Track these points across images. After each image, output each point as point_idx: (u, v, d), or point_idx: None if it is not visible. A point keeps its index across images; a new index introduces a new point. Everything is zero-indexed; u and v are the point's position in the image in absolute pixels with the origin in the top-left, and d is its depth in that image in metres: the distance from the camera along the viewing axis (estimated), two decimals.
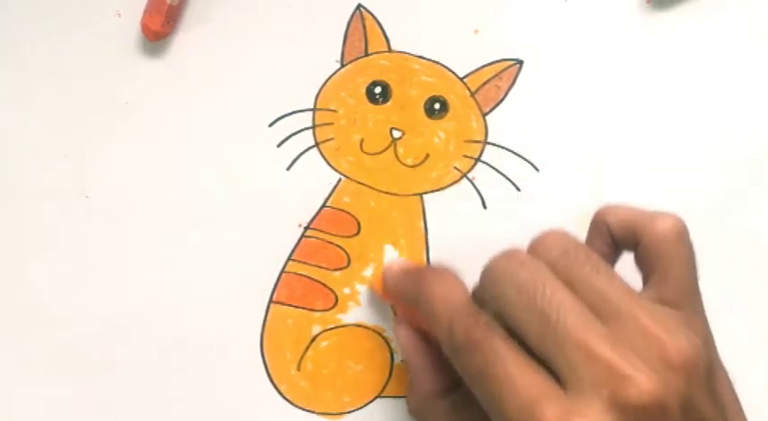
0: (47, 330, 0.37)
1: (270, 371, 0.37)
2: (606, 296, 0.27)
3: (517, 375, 0.26)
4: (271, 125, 0.39)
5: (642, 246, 0.29)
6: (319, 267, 0.37)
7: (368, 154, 0.38)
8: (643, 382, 0.24)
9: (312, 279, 0.37)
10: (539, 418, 0.25)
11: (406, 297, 0.33)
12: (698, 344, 0.26)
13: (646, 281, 0.30)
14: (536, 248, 0.29)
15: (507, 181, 0.38)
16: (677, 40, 0.40)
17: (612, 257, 0.31)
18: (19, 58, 0.40)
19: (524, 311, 0.27)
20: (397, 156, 0.38)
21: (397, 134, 0.38)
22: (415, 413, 0.34)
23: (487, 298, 0.28)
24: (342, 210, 0.38)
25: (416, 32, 0.39)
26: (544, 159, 0.38)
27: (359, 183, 0.38)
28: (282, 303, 0.37)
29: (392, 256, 0.37)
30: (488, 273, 0.29)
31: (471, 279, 0.37)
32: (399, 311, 0.35)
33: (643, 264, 0.30)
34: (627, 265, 0.30)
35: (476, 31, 0.40)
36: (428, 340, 0.33)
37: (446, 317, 0.29)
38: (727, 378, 0.29)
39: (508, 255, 0.29)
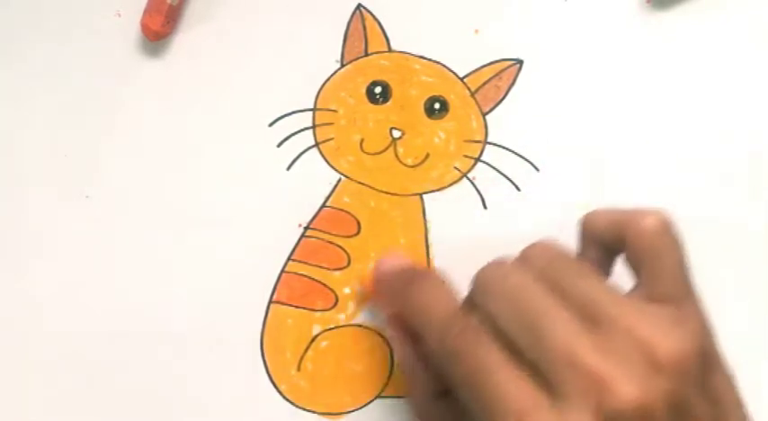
0: (47, 330, 0.37)
1: (270, 371, 0.37)
2: (592, 301, 0.27)
3: (505, 384, 0.26)
4: (271, 125, 0.39)
5: (628, 245, 0.29)
6: (319, 267, 0.37)
7: (368, 154, 0.38)
8: (625, 389, 0.24)
9: (312, 279, 0.37)
10: None
11: (396, 300, 0.33)
12: (688, 341, 0.26)
13: (637, 279, 0.29)
14: (524, 257, 0.29)
15: (507, 181, 0.38)
16: (677, 40, 0.40)
17: (608, 262, 0.31)
18: (19, 57, 0.40)
19: (511, 320, 0.27)
20: (397, 155, 0.38)
21: (397, 134, 0.39)
22: (417, 415, 0.33)
23: (475, 304, 0.29)
24: (342, 209, 0.38)
25: (416, 32, 0.39)
26: (544, 159, 0.38)
27: (359, 183, 0.38)
28: (282, 303, 0.37)
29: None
30: (477, 282, 0.29)
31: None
32: (390, 312, 0.34)
33: (631, 262, 0.29)
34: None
35: (476, 31, 0.40)
36: (421, 341, 0.33)
37: (435, 324, 0.29)
38: (728, 375, 0.28)
39: (497, 264, 0.29)
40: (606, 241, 0.30)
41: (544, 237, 0.30)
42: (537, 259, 0.29)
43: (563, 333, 0.26)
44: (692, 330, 0.27)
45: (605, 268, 0.31)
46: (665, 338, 0.26)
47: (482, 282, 0.29)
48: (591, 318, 0.26)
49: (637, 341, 0.25)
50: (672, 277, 0.28)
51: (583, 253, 0.31)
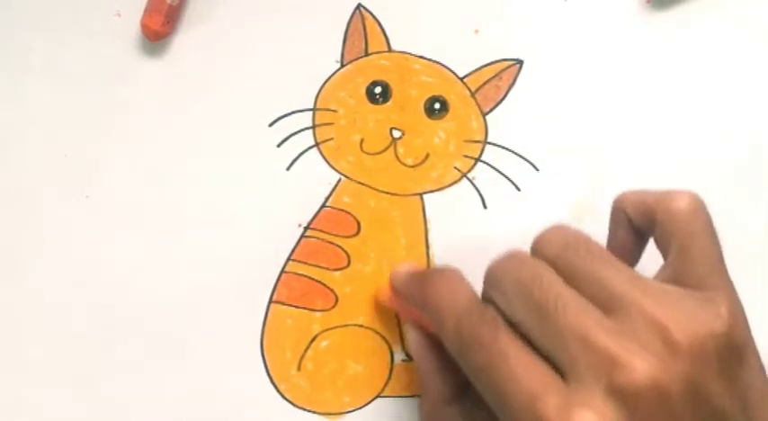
0: (46, 330, 0.37)
1: (270, 371, 0.37)
2: (607, 286, 0.26)
3: (519, 369, 0.26)
4: (271, 125, 0.39)
5: (658, 226, 0.29)
6: (319, 267, 0.37)
7: (368, 154, 0.38)
8: (638, 366, 0.24)
9: (312, 279, 0.37)
10: (540, 412, 0.25)
11: (413, 300, 0.33)
12: (712, 326, 0.25)
13: (665, 261, 0.29)
14: (537, 245, 0.29)
15: (507, 181, 0.38)
16: (677, 40, 0.40)
17: (639, 245, 0.31)
18: (19, 58, 0.40)
19: (524, 307, 0.27)
20: (397, 156, 0.38)
21: (397, 134, 0.39)
22: (427, 419, 0.33)
23: (490, 298, 0.29)
24: (342, 210, 0.38)
25: (416, 32, 0.40)
26: (544, 159, 0.38)
27: (359, 183, 0.38)
28: (282, 303, 0.37)
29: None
30: (490, 274, 0.29)
31: (472, 279, 0.37)
32: (408, 317, 0.35)
33: (661, 244, 0.29)
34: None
35: (476, 31, 0.40)
36: (438, 344, 0.32)
37: (452, 316, 0.29)
38: (759, 368, 0.27)
39: (509, 255, 0.29)
40: (636, 222, 0.30)
41: (557, 223, 0.29)
42: (549, 246, 0.28)
43: (575, 316, 0.25)
44: (718, 315, 0.26)
45: (636, 251, 0.31)
46: (685, 321, 0.25)
47: (494, 275, 0.29)
48: (606, 302, 0.26)
49: (653, 322, 0.25)
50: (700, 261, 0.27)
51: (613, 235, 0.31)
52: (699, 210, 0.28)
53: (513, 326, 0.27)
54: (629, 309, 0.26)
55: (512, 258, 0.29)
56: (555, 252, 0.28)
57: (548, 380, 0.25)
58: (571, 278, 0.27)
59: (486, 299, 0.29)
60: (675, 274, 0.28)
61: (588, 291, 0.26)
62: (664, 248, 0.29)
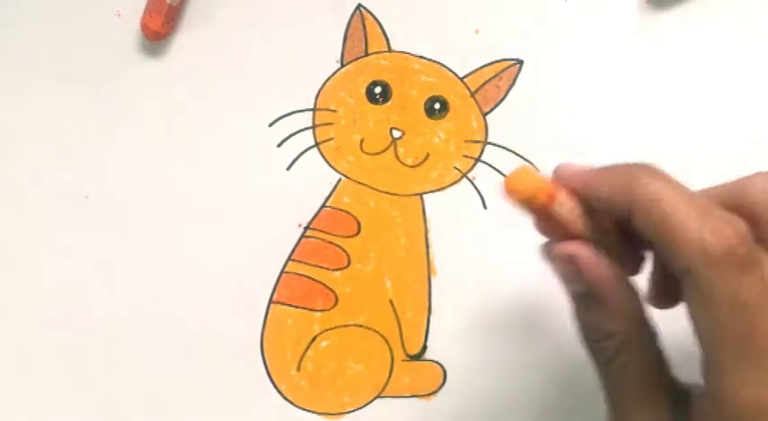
0: (47, 330, 0.37)
1: (270, 371, 0.37)
2: None
3: None
4: (271, 125, 0.39)
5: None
6: (319, 267, 0.37)
7: (368, 154, 0.38)
8: None
9: (312, 279, 0.37)
10: None
11: (610, 198, 0.25)
12: None
13: None
14: None
15: None
16: (677, 39, 0.40)
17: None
18: (19, 58, 0.40)
19: None
20: (397, 156, 0.38)
21: (397, 134, 0.39)
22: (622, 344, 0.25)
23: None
24: (342, 210, 0.38)
25: (416, 32, 0.40)
26: (544, 159, 0.38)
27: (359, 183, 0.38)
28: (282, 303, 0.37)
29: None
30: None
31: (473, 279, 0.37)
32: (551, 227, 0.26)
33: None
34: None
35: (476, 31, 0.40)
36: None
37: (693, 220, 0.23)
38: None
39: None
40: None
41: None
42: None
43: None
44: None
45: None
46: None
47: None
48: None
49: None
50: None
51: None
52: None
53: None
54: None
55: None
56: None
57: None
58: None
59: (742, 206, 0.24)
60: None
61: None
62: None
